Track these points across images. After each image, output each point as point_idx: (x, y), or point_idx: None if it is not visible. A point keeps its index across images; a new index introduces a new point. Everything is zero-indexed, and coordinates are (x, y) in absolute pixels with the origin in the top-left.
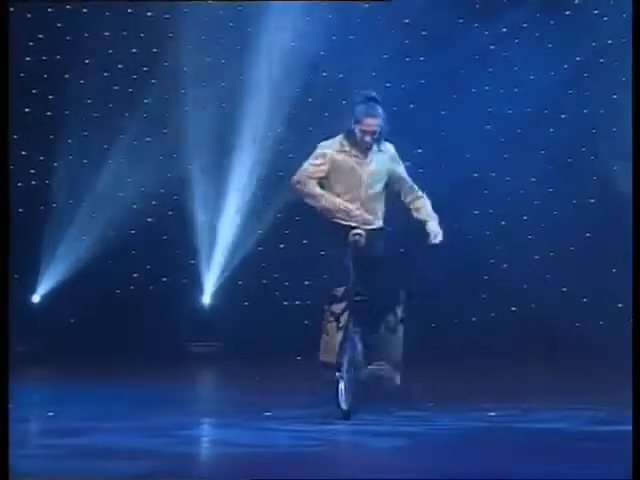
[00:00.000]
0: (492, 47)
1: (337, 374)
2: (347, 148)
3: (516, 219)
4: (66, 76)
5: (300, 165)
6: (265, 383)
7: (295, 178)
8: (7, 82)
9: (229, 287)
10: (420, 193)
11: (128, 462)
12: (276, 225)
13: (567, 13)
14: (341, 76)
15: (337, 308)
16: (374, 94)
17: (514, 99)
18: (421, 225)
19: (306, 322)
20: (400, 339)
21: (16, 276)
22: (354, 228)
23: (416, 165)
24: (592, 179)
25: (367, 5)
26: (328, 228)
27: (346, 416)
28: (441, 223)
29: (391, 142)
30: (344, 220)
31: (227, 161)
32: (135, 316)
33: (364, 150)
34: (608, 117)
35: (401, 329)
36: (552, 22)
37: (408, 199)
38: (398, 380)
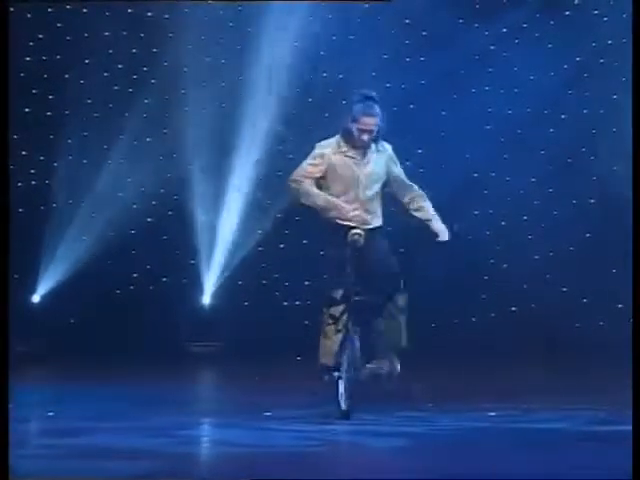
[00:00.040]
0: (492, 47)
1: (337, 374)
2: (344, 148)
3: (516, 219)
4: (66, 76)
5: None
6: (265, 383)
7: (291, 177)
8: (7, 82)
9: (229, 287)
10: (420, 192)
11: (128, 462)
12: (276, 225)
13: (567, 13)
14: (341, 76)
15: (336, 310)
16: (372, 93)
17: (514, 99)
18: (422, 225)
19: (306, 322)
20: (400, 339)
21: (16, 276)
22: (353, 228)
23: (416, 165)
24: (592, 179)
25: (367, 5)
26: (327, 228)
27: (346, 416)
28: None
29: (391, 142)
30: (341, 220)
31: (227, 161)
32: (135, 316)
33: (362, 150)
34: (608, 117)
35: (401, 328)
36: (552, 22)
37: (407, 199)
38: (397, 371)
